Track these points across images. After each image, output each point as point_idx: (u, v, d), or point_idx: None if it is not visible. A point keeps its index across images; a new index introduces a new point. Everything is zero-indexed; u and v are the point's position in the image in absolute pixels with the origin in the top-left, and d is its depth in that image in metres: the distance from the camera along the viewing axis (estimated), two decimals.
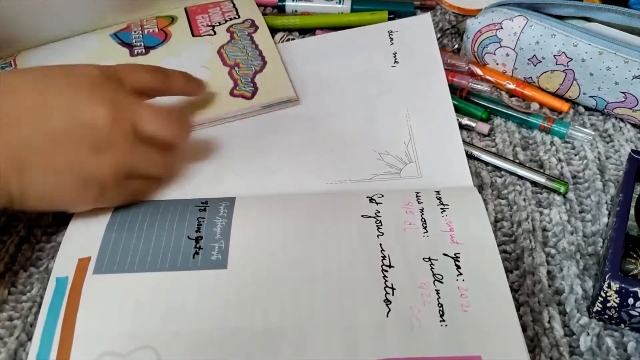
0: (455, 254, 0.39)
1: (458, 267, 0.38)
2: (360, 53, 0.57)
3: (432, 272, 0.38)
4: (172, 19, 0.61)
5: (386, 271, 0.38)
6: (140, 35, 0.59)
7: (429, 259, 0.39)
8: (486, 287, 0.37)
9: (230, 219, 0.41)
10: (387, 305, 0.36)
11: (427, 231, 0.40)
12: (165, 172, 0.45)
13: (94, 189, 0.39)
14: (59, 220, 0.45)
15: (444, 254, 0.39)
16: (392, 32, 0.58)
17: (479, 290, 0.37)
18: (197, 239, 0.40)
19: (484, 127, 0.51)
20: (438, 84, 0.53)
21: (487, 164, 0.49)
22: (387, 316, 0.36)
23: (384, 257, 0.39)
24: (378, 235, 0.40)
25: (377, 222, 0.41)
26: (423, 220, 0.41)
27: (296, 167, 0.48)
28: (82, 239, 0.40)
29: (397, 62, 0.55)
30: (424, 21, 0.58)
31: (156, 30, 0.59)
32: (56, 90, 0.38)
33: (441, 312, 0.36)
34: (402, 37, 0.57)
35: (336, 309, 0.36)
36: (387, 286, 0.37)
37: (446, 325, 0.35)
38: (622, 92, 0.49)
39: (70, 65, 0.41)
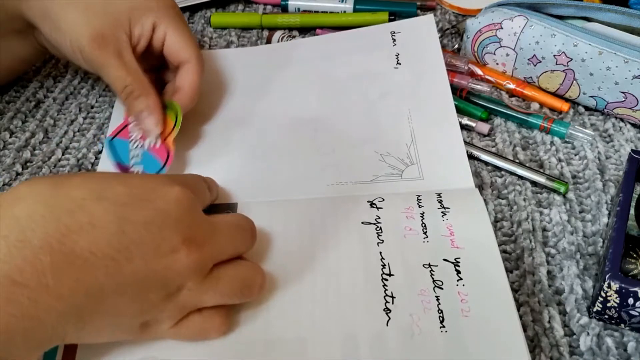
0: (455, 259, 0.39)
1: (458, 272, 0.38)
2: (363, 53, 0.57)
3: (432, 278, 0.38)
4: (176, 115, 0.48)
5: (386, 280, 0.38)
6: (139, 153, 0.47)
7: (429, 265, 0.39)
8: (487, 291, 0.37)
9: None
10: (387, 314, 0.36)
11: (427, 236, 0.40)
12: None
13: (152, 329, 0.35)
14: None
15: (444, 260, 0.39)
16: (394, 32, 0.58)
17: (480, 295, 0.37)
18: None
19: (484, 127, 0.51)
20: (440, 85, 0.52)
21: (487, 164, 0.49)
22: (387, 325, 0.36)
23: (383, 266, 0.39)
24: (378, 243, 0.40)
25: (378, 228, 0.41)
26: (423, 225, 0.41)
27: (297, 168, 0.48)
28: None
29: (400, 64, 0.55)
30: (427, 22, 0.58)
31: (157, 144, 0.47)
32: (138, 226, 0.32)
33: (441, 319, 0.36)
34: (404, 38, 0.57)
35: (336, 318, 0.36)
36: (387, 295, 0.37)
37: (446, 331, 0.35)
38: (622, 92, 0.49)
39: (148, 184, 0.34)
